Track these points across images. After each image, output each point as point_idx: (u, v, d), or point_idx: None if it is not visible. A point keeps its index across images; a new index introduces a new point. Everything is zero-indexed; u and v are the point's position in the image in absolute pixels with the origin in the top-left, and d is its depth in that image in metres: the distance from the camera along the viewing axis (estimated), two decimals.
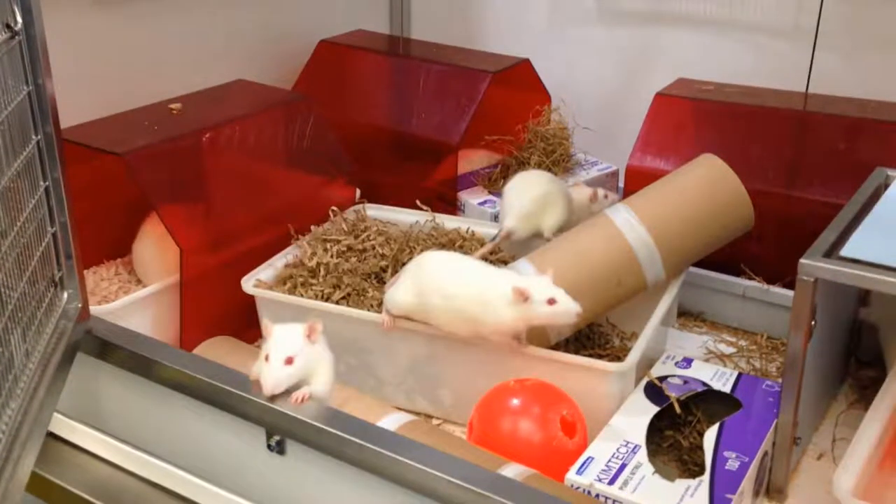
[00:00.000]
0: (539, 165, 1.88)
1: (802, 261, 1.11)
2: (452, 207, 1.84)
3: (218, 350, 1.33)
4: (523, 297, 1.21)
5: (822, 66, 1.77)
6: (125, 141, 1.45)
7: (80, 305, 1.20)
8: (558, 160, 1.91)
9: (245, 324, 1.51)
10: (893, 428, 1.17)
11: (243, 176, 1.59)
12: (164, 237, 1.42)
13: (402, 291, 1.32)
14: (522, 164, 1.88)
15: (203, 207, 1.50)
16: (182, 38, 1.78)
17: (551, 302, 1.22)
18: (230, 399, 1.09)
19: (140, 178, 1.41)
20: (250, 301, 1.47)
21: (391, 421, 1.17)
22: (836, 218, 1.21)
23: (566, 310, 1.22)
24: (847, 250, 1.12)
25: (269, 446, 1.08)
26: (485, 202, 1.82)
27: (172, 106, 1.62)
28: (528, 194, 1.55)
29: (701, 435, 1.22)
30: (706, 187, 1.42)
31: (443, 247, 1.58)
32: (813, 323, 1.15)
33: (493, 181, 1.88)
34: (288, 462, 1.08)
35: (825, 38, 1.77)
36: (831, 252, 1.13)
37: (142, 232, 1.54)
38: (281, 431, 1.07)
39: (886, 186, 1.31)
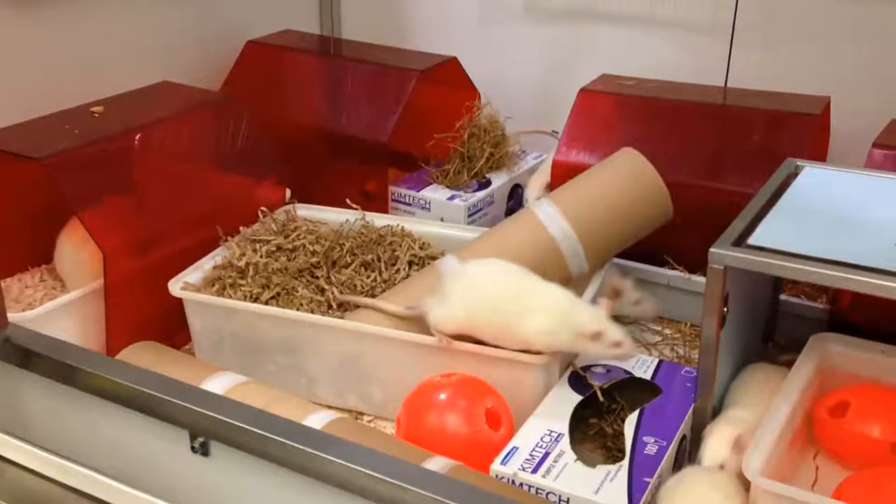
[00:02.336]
0: (488, 160, 1.90)
1: (712, 250, 1.14)
2: (384, 205, 1.85)
3: (139, 356, 1.32)
4: (597, 338, 1.22)
5: (739, 60, 1.82)
6: (44, 145, 1.42)
7: None
8: (504, 155, 1.93)
9: (174, 327, 1.50)
10: (803, 409, 1.21)
11: (169, 178, 1.57)
12: (87, 241, 1.40)
13: (449, 309, 1.29)
14: (470, 160, 1.90)
15: (127, 211, 1.49)
16: (103, 40, 1.76)
17: (617, 345, 1.23)
18: (151, 402, 1.08)
19: (60, 183, 1.39)
20: (179, 304, 1.46)
21: (316, 419, 1.17)
22: (746, 208, 1.25)
23: (626, 354, 1.25)
24: (755, 239, 1.16)
25: (192, 448, 1.08)
26: (452, 197, 1.83)
27: (94, 109, 1.60)
28: None
29: (624, 421, 1.25)
30: (626, 180, 1.45)
31: (375, 244, 1.59)
32: (725, 309, 1.19)
33: (449, 177, 1.89)
34: (213, 463, 1.08)
35: (742, 33, 1.82)
36: (740, 241, 1.16)
37: (62, 236, 1.52)
38: (204, 433, 1.07)
39: (796, 176, 1.36)
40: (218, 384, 1.23)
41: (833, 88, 1.68)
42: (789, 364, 1.27)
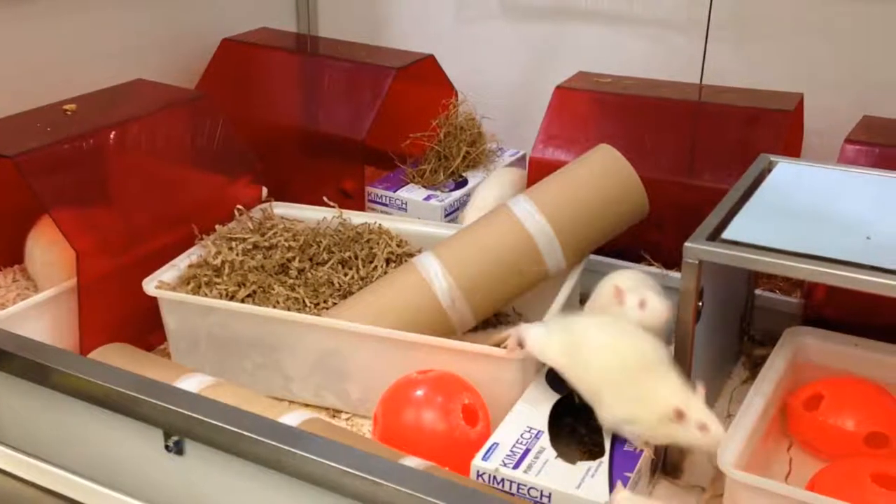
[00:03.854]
0: (464, 159, 1.89)
1: (687, 244, 1.15)
2: (360, 203, 1.84)
3: (108, 359, 1.31)
4: (680, 418, 1.13)
5: (714, 57, 1.83)
6: (15, 143, 1.41)
7: None
8: (481, 153, 1.94)
9: (149, 327, 1.49)
10: (777, 401, 1.22)
11: (143, 177, 1.56)
12: (58, 240, 1.39)
13: (555, 349, 1.24)
14: (447, 159, 1.90)
15: (101, 209, 1.47)
16: (77, 38, 1.74)
17: (703, 428, 1.12)
18: (125, 401, 1.07)
19: (31, 181, 1.37)
20: (154, 303, 1.45)
21: (290, 419, 1.17)
22: (720, 203, 1.26)
23: (713, 441, 1.12)
24: (729, 233, 1.17)
25: (167, 447, 1.07)
26: (429, 198, 1.82)
27: (67, 107, 1.58)
28: None
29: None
30: (602, 177, 1.45)
31: (352, 241, 1.58)
32: (700, 304, 1.19)
33: (426, 177, 1.89)
34: (187, 462, 1.07)
35: (717, 31, 1.83)
36: (715, 235, 1.17)
37: (32, 236, 1.51)
38: (178, 431, 1.06)
39: (769, 171, 1.37)
40: (189, 386, 1.22)
41: (806, 85, 1.70)
42: (763, 358, 1.28)
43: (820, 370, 1.27)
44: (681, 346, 1.19)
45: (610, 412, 1.18)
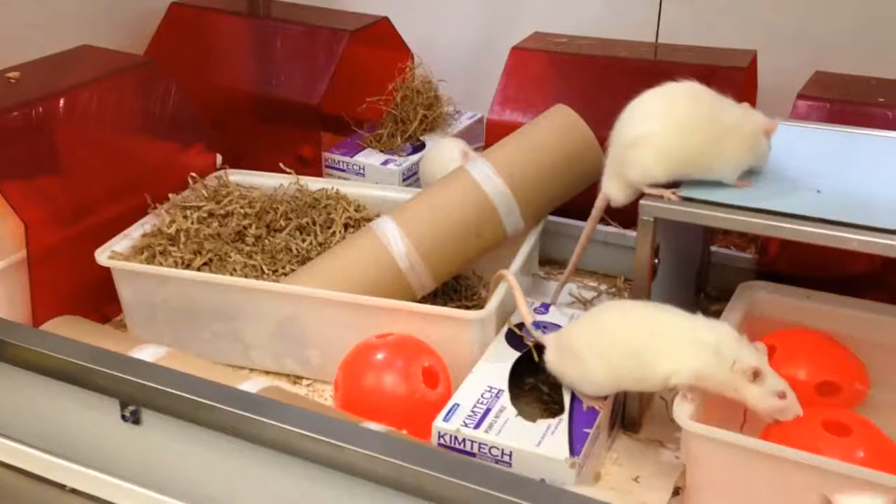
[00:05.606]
0: (421, 122, 1.88)
1: (642, 202, 1.16)
2: (317, 169, 1.82)
3: (63, 331, 1.28)
4: (758, 377, 1.06)
5: (670, 16, 1.83)
6: None
7: None
8: (438, 116, 1.92)
9: (104, 298, 1.47)
10: None
11: (93, 145, 1.53)
12: (7, 212, 1.35)
13: (592, 371, 1.15)
14: (404, 123, 1.88)
15: (50, 179, 1.44)
16: (17, 2, 1.69)
17: (781, 396, 1.06)
18: (79, 373, 1.06)
19: None
20: (108, 274, 1.43)
21: (248, 387, 1.16)
22: None
23: (790, 411, 1.06)
24: (683, 190, 1.18)
25: (123, 417, 1.06)
26: (386, 162, 1.81)
27: (10, 75, 1.54)
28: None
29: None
30: (559, 137, 1.45)
31: (310, 207, 1.57)
32: (656, 261, 1.20)
33: (383, 141, 1.87)
34: (144, 431, 1.07)
35: None
36: None
37: None
38: (134, 401, 1.05)
39: None
40: (143, 356, 1.20)
41: (760, 42, 1.71)
42: (720, 314, 1.30)
43: (773, 323, 1.29)
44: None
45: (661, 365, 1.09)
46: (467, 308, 1.46)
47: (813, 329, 1.26)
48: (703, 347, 1.08)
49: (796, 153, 1.27)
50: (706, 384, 1.08)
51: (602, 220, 1.63)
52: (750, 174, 1.21)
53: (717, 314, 1.40)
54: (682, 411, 1.06)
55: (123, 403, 1.06)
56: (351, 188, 1.63)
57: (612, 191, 1.26)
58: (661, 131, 1.18)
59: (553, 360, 1.21)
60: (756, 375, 1.06)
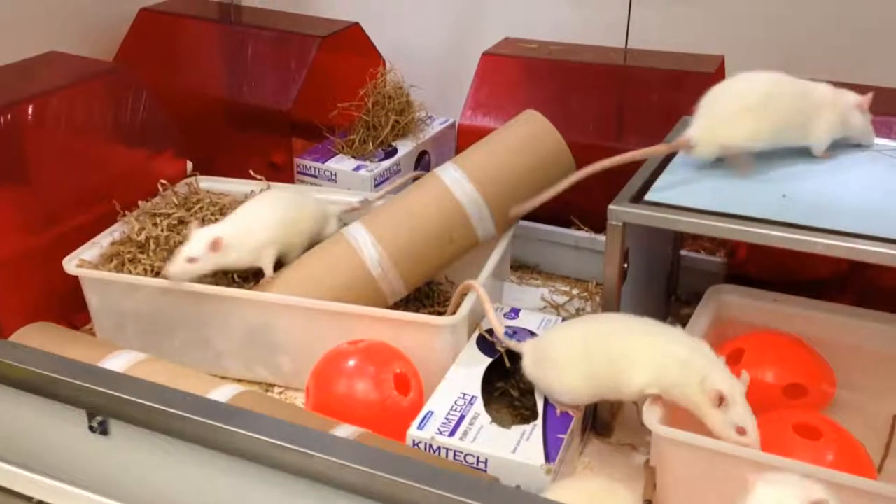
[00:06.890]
0: (393, 128, 1.88)
1: (611, 207, 1.17)
2: (289, 175, 1.82)
3: (32, 338, 1.27)
4: (722, 403, 1.04)
5: (639, 21, 1.84)
6: None
7: None
8: (410, 122, 1.92)
9: (73, 307, 1.45)
10: None
11: (61, 152, 1.51)
12: None
13: (569, 379, 1.16)
14: (375, 128, 1.88)
15: (17, 187, 1.42)
16: None
17: (741, 431, 1.03)
18: (45, 383, 1.05)
19: None
20: (77, 283, 1.41)
21: (221, 394, 1.15)
22: (643, 165, 1.27)
23: (747, 446, 1.03)
24: (652, 195, 1.19)
25: (91, 428, 1.05)
26: (358, 168, 1.80)
27: None
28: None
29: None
30: (529, 142, 1.46)
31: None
32: (626, 265, 1.21)
33: (355, 147, 1.86)
34: (113, 442, 1.05)
35: None
36: (638, 197, 1.19)
37: None
38: (102, 412, 1.04)
39: None
40: (117, 363, 1.19)
41: (727, 47, 1.72)
42: (690, 317, 1.31)
43: (742, 326, 1.30)
44: (607, 307, 1.21)
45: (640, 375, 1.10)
46: (440, 314, 1.46)
47: (781, 332, 1.27)
48: (674, 362, 1.08)
49: (763, 158, 1.28)
50: (675, 398, 1.08)
51: (573, 225, 1.65)
52: (715, 181, 1.22)
53: (687, 317, 1.42)
54: (653, 415, 1.07)
55: (90, 414, 1.04)
56: (322, 194, 1.62)
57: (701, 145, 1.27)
58: (755, 105, 1.28)
59: (530, 369, 1.22)
60: (721, 401, 1.04)
